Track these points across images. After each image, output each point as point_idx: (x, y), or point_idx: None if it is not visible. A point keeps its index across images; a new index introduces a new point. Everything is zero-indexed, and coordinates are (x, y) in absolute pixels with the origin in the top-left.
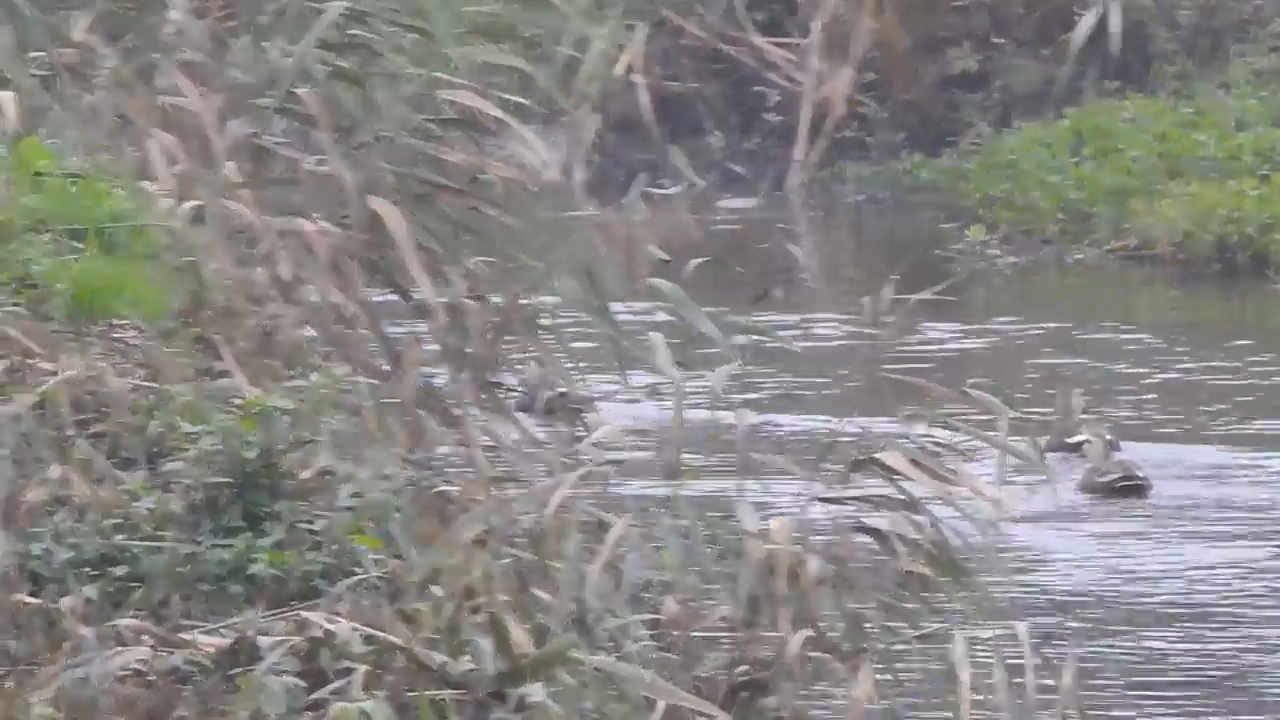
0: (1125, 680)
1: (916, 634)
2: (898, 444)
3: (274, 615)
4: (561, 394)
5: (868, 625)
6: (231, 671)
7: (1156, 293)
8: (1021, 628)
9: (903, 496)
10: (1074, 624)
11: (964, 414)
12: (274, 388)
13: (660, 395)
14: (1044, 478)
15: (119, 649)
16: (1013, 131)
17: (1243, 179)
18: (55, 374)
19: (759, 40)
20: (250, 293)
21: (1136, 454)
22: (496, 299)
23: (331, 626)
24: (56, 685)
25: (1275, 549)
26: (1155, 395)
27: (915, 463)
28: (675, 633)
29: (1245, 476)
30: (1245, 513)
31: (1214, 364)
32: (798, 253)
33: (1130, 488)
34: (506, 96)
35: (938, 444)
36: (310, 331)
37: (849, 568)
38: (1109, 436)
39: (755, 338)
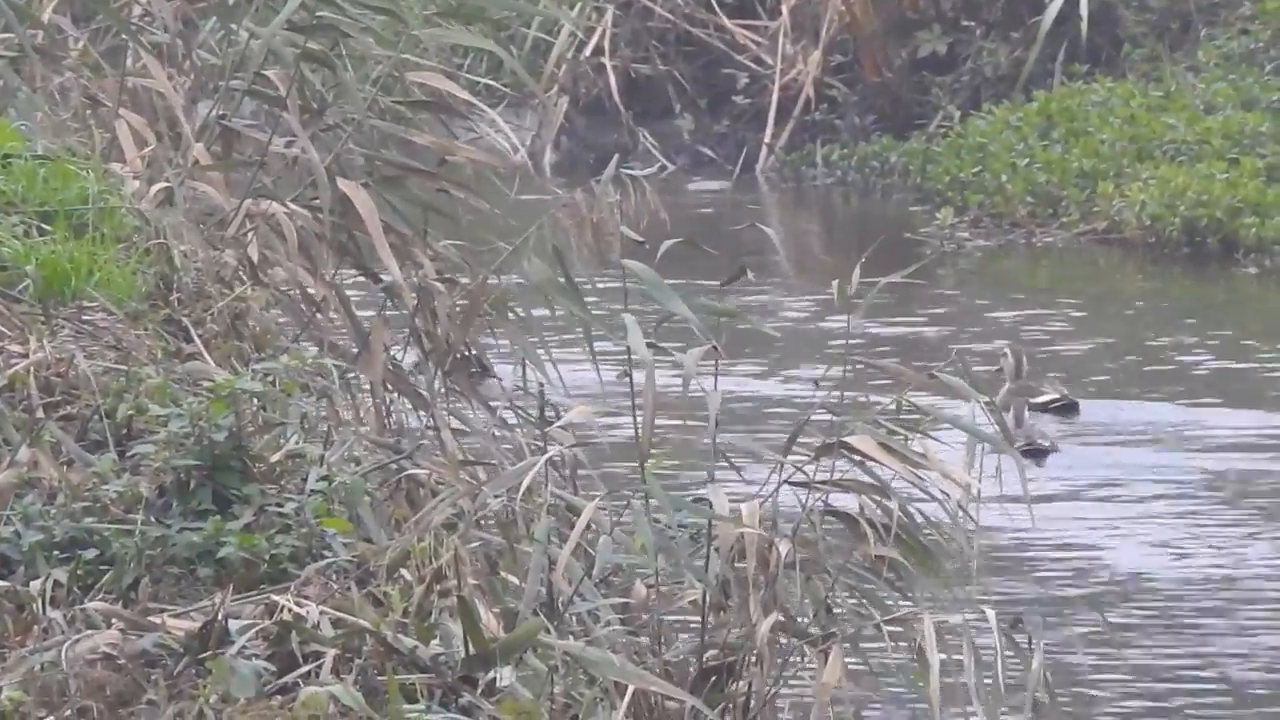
0: (1095, 661)
1: (886, 619)
2: (867, 428)
3: (243, 598)
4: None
5: (837, 610)
6: (201, 655)
7: (1126, 276)
8: (990, 612)
9: (872, 480)
10: (1043, 610)
11: (933, 397)
12: (243, 370)
13: (631, 376)
14: (1023, 463)
15: (88, 632)
16: (982, 114)
17: (1211, 162)
18: (24, 356)
19: (728, 23)
20: (219, 275)
21: (1101, 414)
22: (465, 281)
23: (300, 610)
24: (25, 669)
25: (1241, 517)
26: (1125, 372)
27: (884, 446)
28: (644, 617)
29: (1203, 443)
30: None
31: (1186, 343)
32: (770, 234)
33: (1032, 452)
34: (475, 79)
35: (907, 428)
36: (279, 314)
37: (819, 552)
38: (1068, 397)
39: (726, 320)
